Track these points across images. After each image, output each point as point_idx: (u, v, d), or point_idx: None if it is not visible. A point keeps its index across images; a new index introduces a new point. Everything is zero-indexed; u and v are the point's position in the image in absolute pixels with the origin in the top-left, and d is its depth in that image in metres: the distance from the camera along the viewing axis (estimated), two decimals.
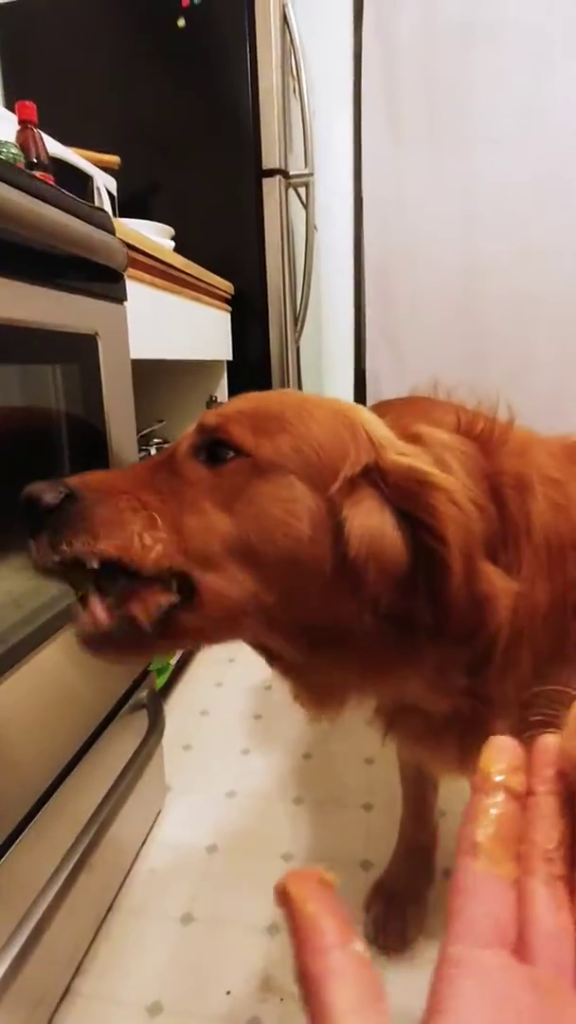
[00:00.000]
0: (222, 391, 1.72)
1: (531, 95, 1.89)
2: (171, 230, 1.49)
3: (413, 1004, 0.23)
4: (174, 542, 0.43)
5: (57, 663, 0.73)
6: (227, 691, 1.41)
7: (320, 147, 1.93)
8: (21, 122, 0.94)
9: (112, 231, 0.83)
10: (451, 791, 0.92)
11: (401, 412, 0.54)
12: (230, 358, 1.72)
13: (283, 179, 1.63)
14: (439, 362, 2.02)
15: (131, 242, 1.00)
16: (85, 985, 0.76)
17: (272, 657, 0.50)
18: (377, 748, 1.17)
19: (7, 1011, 0.61)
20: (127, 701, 0.90)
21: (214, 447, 0.45)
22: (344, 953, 0.19)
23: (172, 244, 1.43)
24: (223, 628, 0.47)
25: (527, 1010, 0.18)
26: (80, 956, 0.78)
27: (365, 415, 0.48)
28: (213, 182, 1.64)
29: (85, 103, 1.64)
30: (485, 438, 0.50)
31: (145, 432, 1.52)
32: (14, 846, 0.63)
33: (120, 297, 0.87)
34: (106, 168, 1.37)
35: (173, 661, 1.40)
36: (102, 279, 0.81)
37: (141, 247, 1.08)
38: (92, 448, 0.84)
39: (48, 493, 0.43)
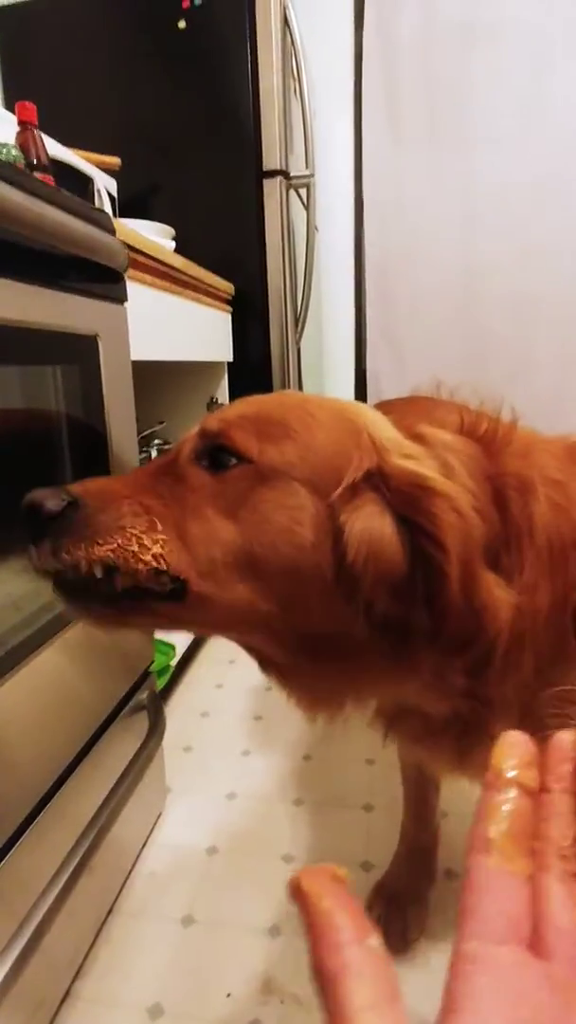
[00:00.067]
0: (223, 392, 1.72)
1: (531, 95, 1.89)
2: (172, 231, 1.49)
3: (415, 1004, 0.23)
4: (174, 545, 0.43)
5: (57, 665, 0.72)
6: (227, 692, 1.41)
7: (321, 148, 1.93)
8: (21, 123, 0.94)
9: (112, 231, 0.83)
10: (452, 792, 0.92)
11: (403, 412, 0.54)
12: (231, 359, 1.72)
13: (284, 180, 1.63)
14: (439, 362, 2.02)
15: (131, 243, 1.00)
16: (85, 988, 0.76)
17: (265, 661, 0.50)
18: (378, 749, 1.16)
19: (7, 1014, 0.61)
20: (127, 703, 0.90)
21: (217, 453, 0.44)
22: (360, 949, 0.19)
23: (173, 245, 1.43)
24: (208, 629, 0.47)
25: (543, 1006, 0.18)
26: (80, 958, 0.78)
27: (370, 416, 0.47)
28: (214, 183, 1.64)
29: (85, 104, 1.64)
30: (488, 439, 0.49)
31: (146, 433, 1.52)
32: (14, 848, 0.63)
33: (121, 298, 0.87)
34: (106, 169, 1.37)
35: (174, 663, 1.40)
36: (102, 280, 0.81)
37: (141, 248, 1.08)
38: (93, 450, 0.84)
39: (50, 500, 0.43)
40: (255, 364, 1.72)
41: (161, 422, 1.60)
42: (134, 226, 1.18)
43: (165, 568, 0.42)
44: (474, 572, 0.42)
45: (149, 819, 1.00)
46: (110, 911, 0.86)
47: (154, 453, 1.50)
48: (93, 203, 1.27)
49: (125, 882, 0.90)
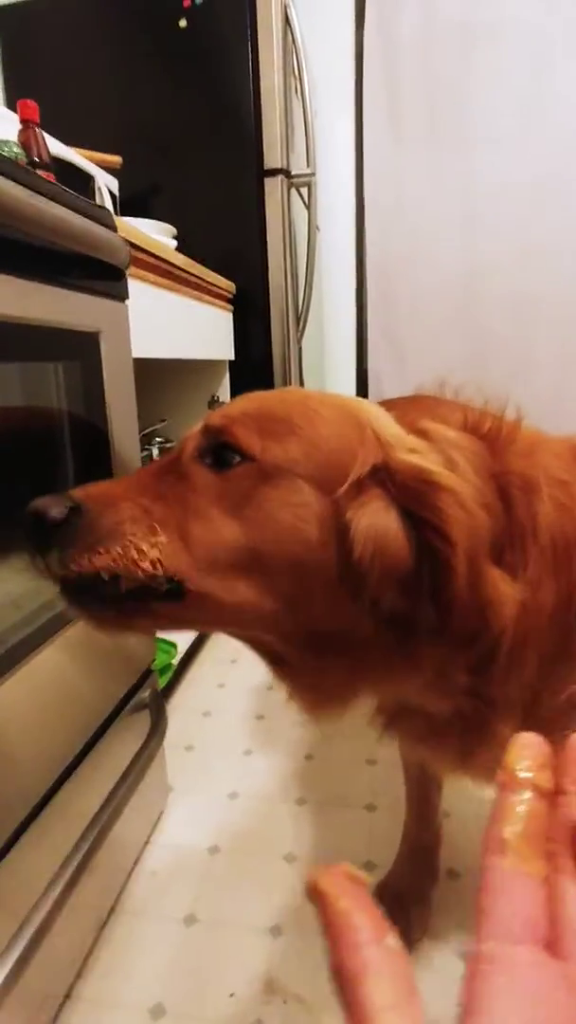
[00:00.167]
0: (224, 391, 1.72)
1: (531, 95, 1.89)
2: (173, 229, 1.49)
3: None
4: (174, 547, 0.42)
5: (58, 663, 0.72)
6: (229, 692, 1.41)
7: (322, 147, 1.93)
8: (23, 121, 0.94)
9: (114, 228, 0.83)
10: (455, 792, 0.92)
11: (406, 410, 0.54)
12: (232, 358, 1.71)
13: (285, 179, 1.63)
14: (440, 362, 2.03)
15: (133, 240, 1.00)
16: (87, 988, 0.76)
17: (270, 658, 0.50)
18: (380, 749, 1.16)
19: (8, 1015, 0.60)
20: (129, 701, 0.90)
21: (220, 450, 0.44)
22: (379, 949, 0.19)
23: (174, 243, 1.43)
24: (210, 627, 0.47)
25: (561, 1006, 0.18)
26: (81, 958, 0.78)
27: (373, 411, 0.47)
28: (215, 181, 1.64)
29: (87, 103, 1.64)
30: (492, 437, 0.49)
31: (147, 431, 1.51)
32: (15, 848, 0.63)
33: (122, 295, 0.87)
34: (108, 168, 1.37)
35: (175, 661, 1.40)
36: (104, 277, 0.81)
37: (143, 245, 1.08)
38: (94, 447, 0.83)
39: (53, 508, 0.43)
40: (256, 363, 1.72)
41: (163, 420, 1.59)
42: (136, 224, 1.18)
43: (161, 572, 0.42)
44: (480, 567, 0.41)
45: (150, 818, 1.00)
46: (111, 911, 0.85)
47: (155, 451, 1.50)
48: (94, 201, 1.27)
49: (126, 882, 0.90)
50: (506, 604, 0.42)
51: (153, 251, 1.13)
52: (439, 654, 0.45)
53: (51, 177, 0.92)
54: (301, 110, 1.66)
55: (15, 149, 0.93)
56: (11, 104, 1.45)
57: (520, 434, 0.50)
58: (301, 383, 1.84)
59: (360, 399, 0.50)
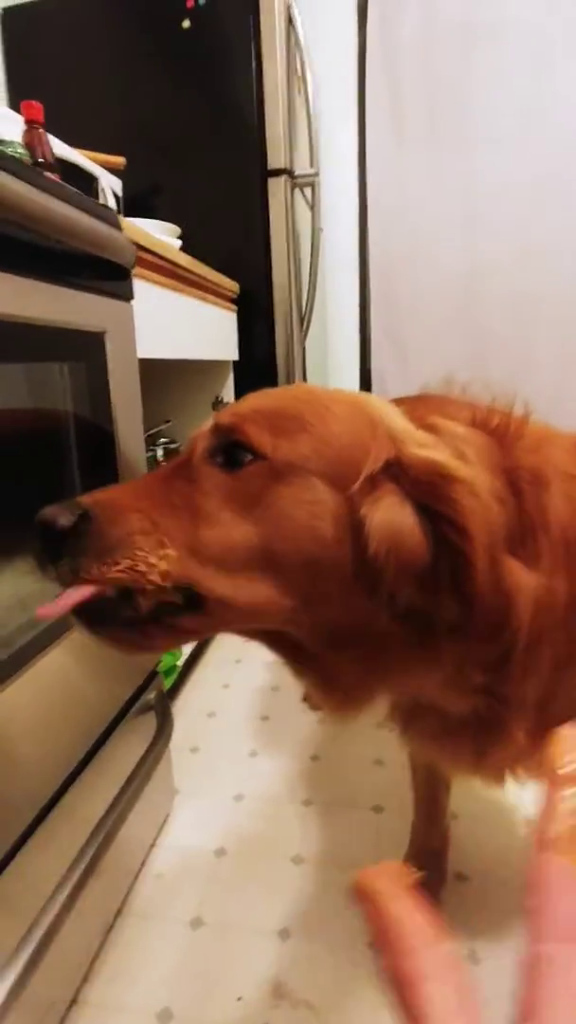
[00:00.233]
0: (228, 392, 1.72)
1: (532, 95, 1.89)
2: (177, 229, 1.48)
3: None
4: (183, 559, 0.42)
5: (64, 665, 0.72)
6: (234, 693, 1.40)
7: (325, 148, 1.93)
8: (28, 122, 0.93)
9: (119, 228, 0.83)
10: (463, 793, 0.91)
11: (414, 407, 0.54)
12: (236, 358, 1.71)
13: (288, 179, 1.63)
14: (441, 362, 2.03)
15: (138, 241, 1.00)
16: (93, 992, 0.75)
17: (285, 656, 0.50)
18: (386, 749, 1.16)
19: (15, 1020, 0.60)
20: (135, 703, 0.89)
21: (231, 449, 0.44)
22: (436, 954, 0.18)
23: (179, 243, 1.43)
24: (230, 629, 0.47)
25: None
26: (88, 962, 0.77)
27: (383, 407, 0.47)
28: (218, 182, 1.64)
29: (90, 104, 1.64)
30: (501, 433, 0.49)
31: (152, 432, 1.51)
32: (22, 851, 0.62)
33: (127, 295, 0.86)
34: (111, 169, 1.36)
35: (180, 663, 1.40)
36: (110, 276, 0.81)
37: (148, 246, 1.08)
38: (100, 448, 0.83)
39: (62, 516, 0.42)
40: (260, 363, 1.72)
41: (167, 421, 1.59)
42: (140, 224, 1.18)
43: (172, 584, 0.42)
44: (498, 558, 0.41)
45: (156, 821, 0.99)
46: (118, 914, 0.85)
47: (160, 452, 1.49)
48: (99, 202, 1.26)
49: (133, 884, 0.90)
50: (525, 592, 0.42)
51: (158, 251, 1.13)
52: (458, 650, 0.44)
53: (56, 178, 0.92)
54: (304, 110, 1.66)
55: (19, 150, 0.93)
56: (14, 105, 1.45)
57: (529, 429, 0.50)
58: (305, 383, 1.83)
59: (369, 395, 0.50)
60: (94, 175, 1.27)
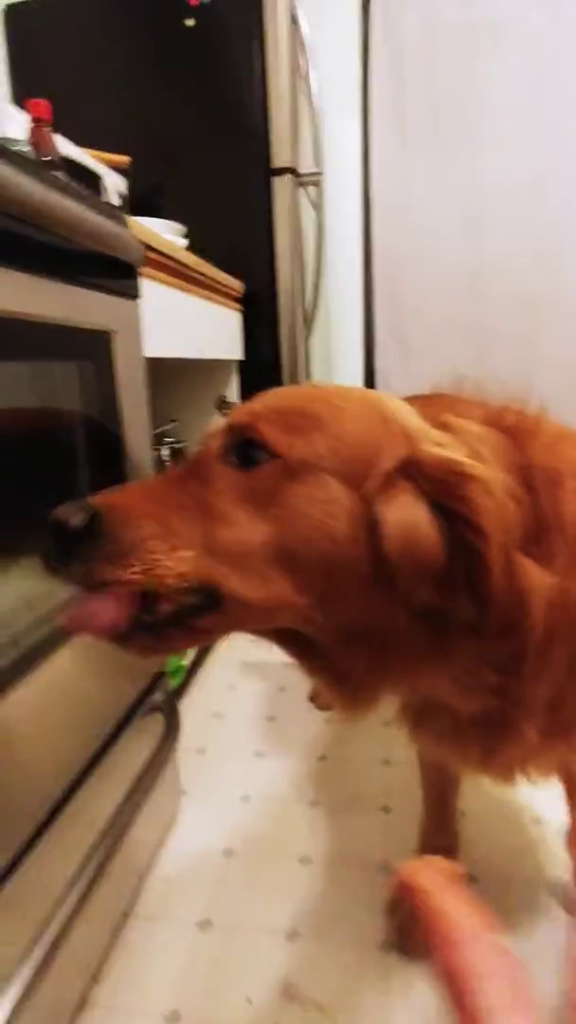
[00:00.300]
0: (233, 391, 1.71)
1: (534, 95, 1.89)
2: (183, 228, 1.48)
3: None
4: (200, 560, 0.42)
5: (71, 667, 0.72)
6: (240, 694, 1.40)
7: (329, 147, 1.92)
8: (34, 120, 0.93)
9: (126, 226, 0.82)
10: (471, 789, 0.90)
11: (426, 406, 0.53)
12: (242, 357, 1.71)
13: (293, 178, 1.62)
14: (445, 361, 2.02)
15: (144, 240, 0.99)
16: (102, 994, 0.75)
17: (297, 653, 0.49)
18: (394, 749, 1.15)
19: (25, 1023, 0.59)
20: (142, 704, 0.89)
21: (245, 448, 0.43)
22: (487, 947, 0.18)
23: (185, 242, 1.42)
24: (245, 628, 0.47)
25: None
26: (96, 964, 0.77)
27: (397, 405, 0.46)
28: (222, 181, 1.63)
29: (93, 103, 1.64)
30: (515, 431, 0.49)
31: (157, 432, 1.51)
32: (30, 854, 0.62)
33: (134, 294, 0.86)
34: (116, 168, 1.36)
35: (186, 663, 1.39)
36: (117, 275, 0.81)
37: (154, 245, 1.07)
38: (107, 447, 0.83)
39: (74, 517, 0.42)
40: (265, 363, 1.71)
41: (173, 420, 1.59)
42: (146, 223, 1.17)
43: (191, 585, 0.42)
44: (513, 557, 0.41)
45: (164, 822, 0.99)
46: (126, 916, 0.85)
47: (165, 452, 1.49)
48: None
49: (141, 886, 0.89)
50: (540, 591, 0.42)
51: (164, 250, 1.12)
52: (471, 649, 0.44)
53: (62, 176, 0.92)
54: (308, 109, 1.65)
55: (25, 148, 0.92)
56: (19, 102, 1.45)
57: (543, 427, 0.50)
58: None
59: (382, 393, 0.49)
60: (99, 174, 1.27)
